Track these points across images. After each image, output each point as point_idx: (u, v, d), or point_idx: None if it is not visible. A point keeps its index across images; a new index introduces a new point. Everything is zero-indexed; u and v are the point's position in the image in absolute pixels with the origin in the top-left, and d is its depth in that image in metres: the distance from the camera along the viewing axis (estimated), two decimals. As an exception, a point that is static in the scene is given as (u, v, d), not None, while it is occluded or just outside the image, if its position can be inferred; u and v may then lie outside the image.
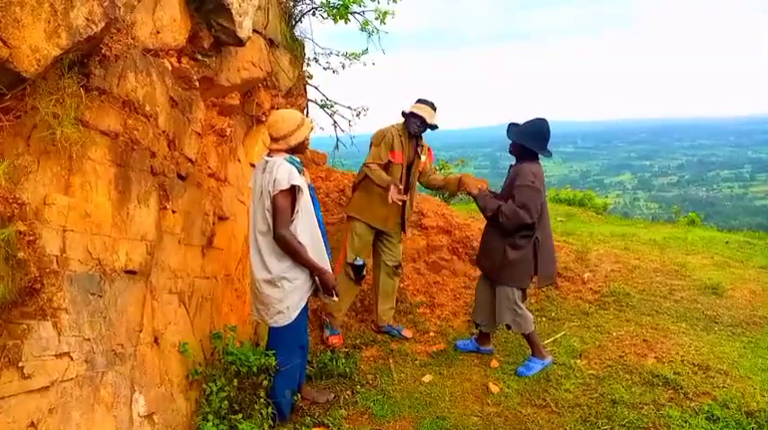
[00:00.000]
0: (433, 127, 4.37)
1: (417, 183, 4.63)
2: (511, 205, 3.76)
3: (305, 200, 3.19)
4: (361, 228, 4.43)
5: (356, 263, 4.17)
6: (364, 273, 4.22)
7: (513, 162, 3.97)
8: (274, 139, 3.20)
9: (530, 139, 3.82)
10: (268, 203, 3.12)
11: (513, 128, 3.93)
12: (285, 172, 3.07)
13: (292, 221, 3.13)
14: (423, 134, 4.44)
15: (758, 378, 3.73)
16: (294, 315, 3.24)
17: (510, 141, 3.92)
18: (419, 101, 4.37)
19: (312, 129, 3.36)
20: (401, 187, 4.17)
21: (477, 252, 5.65)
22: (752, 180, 74.22)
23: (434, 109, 4.34)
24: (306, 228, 3.21)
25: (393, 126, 4.42)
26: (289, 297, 3.21)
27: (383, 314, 4.71)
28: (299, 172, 3.19)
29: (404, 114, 4.36)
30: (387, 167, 4.30)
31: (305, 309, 3.35)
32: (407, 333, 4.71)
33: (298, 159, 3.24)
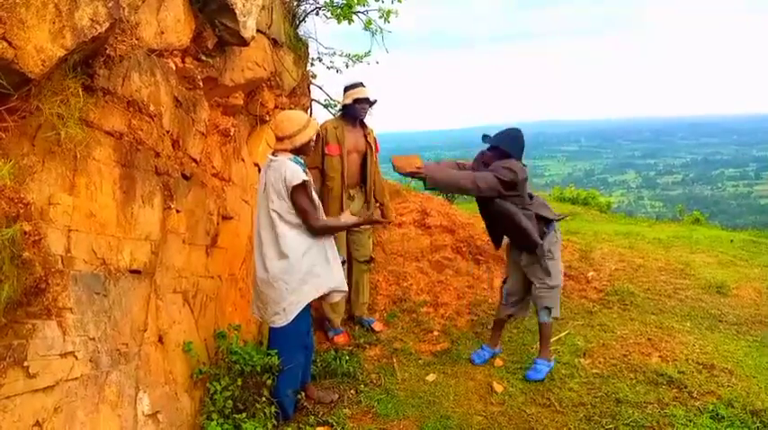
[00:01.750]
0: (374, 102, 4.41)
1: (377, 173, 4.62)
2: (482, 173, 3.63)
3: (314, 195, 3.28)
4: None
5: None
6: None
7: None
8: (279, 139, 3.24)
9: (509, 144, 3.70)
10: (274, 203, 3.15)
11: (486, 137, 3.81)
12: (293, 169, 3.13)
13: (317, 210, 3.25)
14: (366, 120, 4.47)
15: (763, 377, 3.72)
16: (291, 316, 3.23)
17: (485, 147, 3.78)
18: (350, 87, 4.33)
19: (317, 129, 3.39)
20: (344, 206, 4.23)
21: (480, 250, 5.67)
22: (757, 178, 73.95)
23: (362, 84, 4.35)
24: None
25: (328, 121, 4.45)
26: (286, 298, 3.20)
27: (356, 309, 4.81)
28: (304, 169, 3.24)
29: (347, 107, 4.32)
30: (323, 163, 4.29)
31: (306, 310, 3.31)
32: (377, 325, 4.76)
33: (302, 160, 3.28)
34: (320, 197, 4.18)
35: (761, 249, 6.93)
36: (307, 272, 3.22)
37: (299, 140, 3.21)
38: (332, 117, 4.50)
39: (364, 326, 4.75)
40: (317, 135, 4.12)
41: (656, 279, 5.63)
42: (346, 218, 3.57)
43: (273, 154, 3.27)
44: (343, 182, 4.35)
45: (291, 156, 3.23)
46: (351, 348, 4.43)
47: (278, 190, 3.13)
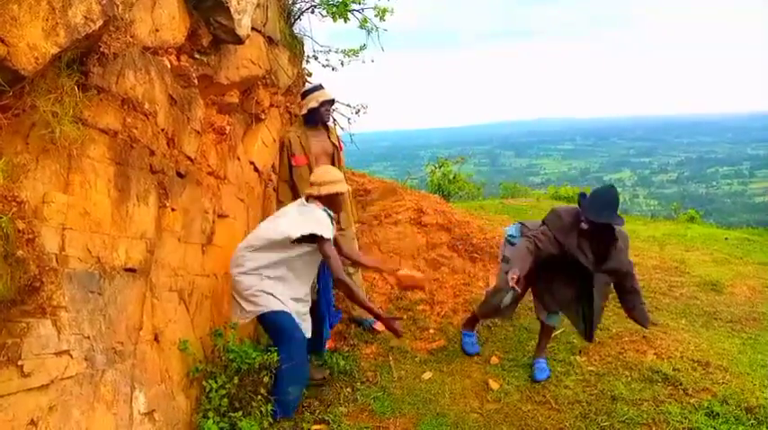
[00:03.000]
0: (333, 101, 4.37)
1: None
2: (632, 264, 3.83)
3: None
4: None
5: None
6: None
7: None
8: (311, 184, 3.50)
9: (609, 214, 3.58)
10: (283, 235, 3.27)
11: (584, 201, 3.69)
12: (322, 221, 3.32)
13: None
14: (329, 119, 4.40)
15: (757, 374, 3.73)
16: (278, 305, 3.30)
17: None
18: (311, 90, 4.21)
19: (349, 191, 3.59)
20: None
21: (476, 249, 5.67)
22: (751, 177, 74.19)
23: (322, 86, 4.27)
24: (309, 274, 3.49)
25: (290, 131, 4.31)
26: (268, 287, 3.30)
27: (353, 309, 4.74)
28: (332, 222, 3.46)
29: (311, 110, 4.16)
30: (292, 176, 4.18)
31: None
32: (378, 326, 4.64)
33: (331, 213, 3.46)
34: None
35: (755, 247, 6.96)
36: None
37: (326, 190, 3.42)
38: (293, 125, 4.35)
39: (365, 327, 4.70)
40: (285, 149, 4.19)
41: (650, 276, 5.65)
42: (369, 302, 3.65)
43: (307, 199, 3.49)
44: None
45: (322, 206, 3.42)
46: (347, 347, 4.43)
47: (300, 232, 3.24)
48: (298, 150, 4.18)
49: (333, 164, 4.27)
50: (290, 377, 3.31)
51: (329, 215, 3.43)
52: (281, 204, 4.16)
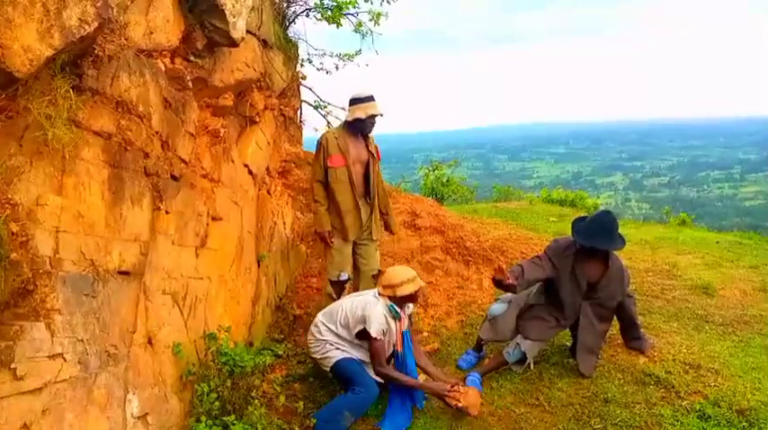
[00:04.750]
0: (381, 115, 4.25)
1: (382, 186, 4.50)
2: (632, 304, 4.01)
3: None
4: (337, 242, 4.26)
5: (340, 278, 4.19)
6: (346, 285, 4.26)
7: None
8: (383, 286, 3.62)
9: (598, 239, 3.68)
10: (351, 322, 3.58)
11: (578, 223, 3.81)
12: (377, 320, 3.47)
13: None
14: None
15: (749, 376, 3.76)
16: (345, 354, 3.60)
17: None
18: (362, 100, 4.12)
19: (422, 287, 3.66)
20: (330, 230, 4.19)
21: (470, 252, 5.69)
22: (742, 181, 74.73)
23: (374, 98, 4.17)
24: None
25: (329, 131, 4.30)
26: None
27: None
28: (396, 319, 3.58)
29: (358, 121, 4.12)
30: (327, 175, 4.15)
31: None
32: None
33: (398, 309, 3.57)
34: (330, 212, 4.19)
35: (746, 250, 7.00)
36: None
37: (401, 292, 3.54)
38: (334, 127, 4.32)
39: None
40: (322, 149, 4.14)
41: (642, 280, 5.67)
42: (426, 383, 3.65)
43: (378, 294, 3.63)
44: (354, 193, 4.19)
45: (389, 303, 3.55)
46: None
47: (359, 322, 3.53)
48: (335, 151, 4.13)
49: (367, 172, 4.26)
50: (350, 400, 3.39)
51: (395, 310, 3.56)
52: (317, 203, 4.19)
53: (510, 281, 3.57)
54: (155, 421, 2.66)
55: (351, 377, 3.49)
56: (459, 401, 3.36)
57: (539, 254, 3.92)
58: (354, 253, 4.41)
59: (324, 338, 3.63)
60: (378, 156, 4.36)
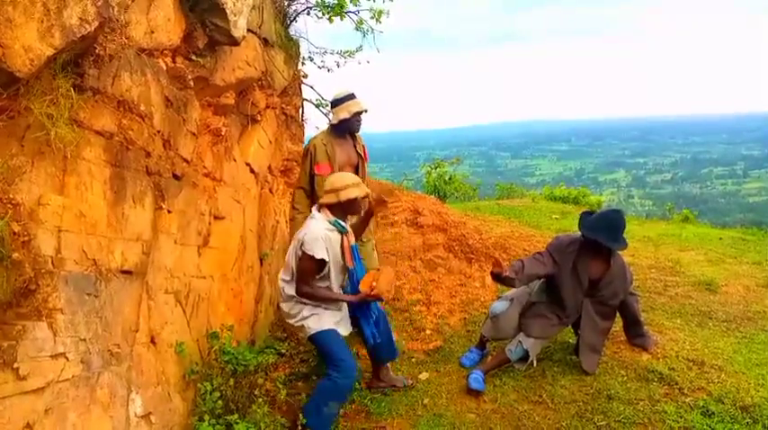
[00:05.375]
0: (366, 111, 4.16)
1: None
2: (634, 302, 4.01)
3: (332, 267, 3.37)
4: None
5: None
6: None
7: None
8: (326, 191, 3.40)
9: (602, 233, 3.67)
10: (293, 261, 3.34)
11: (587, 217, 3.82)
12: (313, 239, 3.25)
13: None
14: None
15: (752, 373, 3.75)
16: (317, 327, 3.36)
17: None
18: (343, 99, 4.04)
19: (368, 192, 3.46)
20: None
21: (472, 250, 5.68)
22: (745, 177, 74.60)
23: (355, 95, 4.07)
24: (337, 281, 3.45)
25: (316, 137, 4.18)
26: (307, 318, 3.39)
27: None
28: (343, 233, 3.37)
29: (344, 121, 4.04)
30: (313, 184, 4.07)
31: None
32: (394, 335, 4.60)
33: (342, 223, 3.38)
34: None
35: (749, 246, 6.99)
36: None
37: (345, 195, 3.33)
38: (320, 132, 4.22)
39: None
40: (309, 155, 4.08)
41: (645, 276, 5.67)
42: (343, 295, 3.51)
43: (319, 208, 3.41)
44: None
45: (331, 218, 3.35)
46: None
47: (297, 247, 3.31)
48: (323, 158, 4.05)
49: (356, 174, 4.12)
50: (327, 389, 3.28)
51: (340, 225, 3.38)
52: (295, 211, 4.14)
53: (507, 273, 3.57)
54: (158, 420, 2.67)
55: (326, 355, 3.37)
56: (372, 290, 3.32)
57: (540, 250, 3.92)
58: None
59: (290, 294, 3.40)
60: (365, 156, 4.30)
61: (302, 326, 3.38)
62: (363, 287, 3.37)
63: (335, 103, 4.08)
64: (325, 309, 3.41)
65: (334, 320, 3.41)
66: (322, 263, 3.29)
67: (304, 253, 3.25)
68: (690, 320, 4.66)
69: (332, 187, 3.38)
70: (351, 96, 4.05)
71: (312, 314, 3.37)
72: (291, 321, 3.43)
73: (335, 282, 3.44)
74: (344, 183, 3.37)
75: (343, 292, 3.50)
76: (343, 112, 4.02)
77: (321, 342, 3.37)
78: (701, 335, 4.36)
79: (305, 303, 3.37)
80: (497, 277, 3.65)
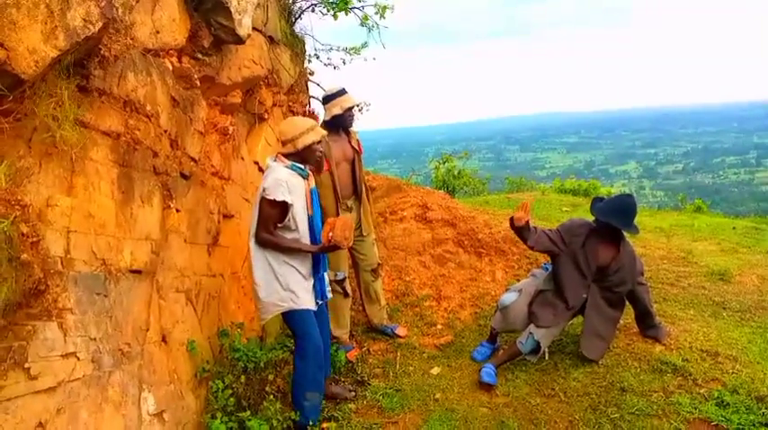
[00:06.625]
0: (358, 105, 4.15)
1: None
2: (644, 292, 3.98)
3: (297, 213, 3.20)
4: None
5: (338, 278, 4.12)
6: (346, 284, 4.21)
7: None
8: (282, 142, 3.24)
9: (614, 217, 3.67)
10: (256, 208, 3.16)
11: (598, 201, 3.84)
12: (274, 181, 3.09)
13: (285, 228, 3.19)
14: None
15: (767, 363, 3.71)
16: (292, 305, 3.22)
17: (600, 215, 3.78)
18: (334, 95, 4.04)
19: (323, 136, 3.32)
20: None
21: (482, 244, 5.66)
22: (758, 165, 73.74)
23: (345, 90, 4.06)
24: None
25: None
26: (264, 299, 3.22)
27: (373, 316, 4.58)
28: (304, 177, 3.21)
29: (337, 117, 4.02)
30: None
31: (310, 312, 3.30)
32: (401, 331, 4.59)
33: (302, 166, 3.22)
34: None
35: (763, 236, 6.91)
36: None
37: (302, 143, 3.18)
38: None
39: (388, 334, 4.57)
40: None
41: (658, 267, 5.62)
42: (303, 244, 3.29)
43: (275, 158, 3.25)
44: (336, 197, 4.06)
45: (290, 163, 3.19)
46: (355, 344, 4.43)
47: (259, 195, 3.15)
48: None
49: (353, 169, 4.16)
50: (302, 381, 3.24)
51: (299, 169, 3.22)
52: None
53: (526, 225, 3.68)
54: (170, 418, 2.68)
55: (294, 336, 3.30)
56: (330, 240, 3.19)
57: (551, 228, 3.93)
58: (351, 251, 4.35)
59: (260, 255, 3.20)
60: (360, 149, 4.27)
61: (277, 305, 3.22)
62: (322, 238, 3.22)
63: (327, 100, 4.08)
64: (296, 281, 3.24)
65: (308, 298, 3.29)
66: (284, 207, 3.12)
67: (263, 198, 3.10)
68: (703, 311, 4.61)
69: (287, 136, 3.22)
70: (342, 92, 4.05)
71: (284, 290, 3.21)
72: (269, 300, 3.25)
73: (304, 235, 3.27)
74: (299, 131, 3.20)
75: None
76: (336, 108, 4.02)
77: (290, 326, 3.32)
78: (714, 325, 4.32)
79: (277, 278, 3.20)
80: (516, 225, 3.72)
